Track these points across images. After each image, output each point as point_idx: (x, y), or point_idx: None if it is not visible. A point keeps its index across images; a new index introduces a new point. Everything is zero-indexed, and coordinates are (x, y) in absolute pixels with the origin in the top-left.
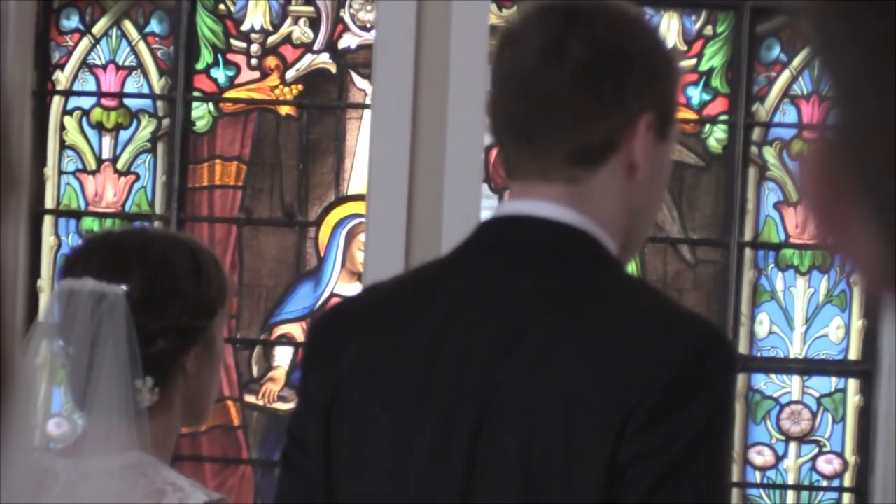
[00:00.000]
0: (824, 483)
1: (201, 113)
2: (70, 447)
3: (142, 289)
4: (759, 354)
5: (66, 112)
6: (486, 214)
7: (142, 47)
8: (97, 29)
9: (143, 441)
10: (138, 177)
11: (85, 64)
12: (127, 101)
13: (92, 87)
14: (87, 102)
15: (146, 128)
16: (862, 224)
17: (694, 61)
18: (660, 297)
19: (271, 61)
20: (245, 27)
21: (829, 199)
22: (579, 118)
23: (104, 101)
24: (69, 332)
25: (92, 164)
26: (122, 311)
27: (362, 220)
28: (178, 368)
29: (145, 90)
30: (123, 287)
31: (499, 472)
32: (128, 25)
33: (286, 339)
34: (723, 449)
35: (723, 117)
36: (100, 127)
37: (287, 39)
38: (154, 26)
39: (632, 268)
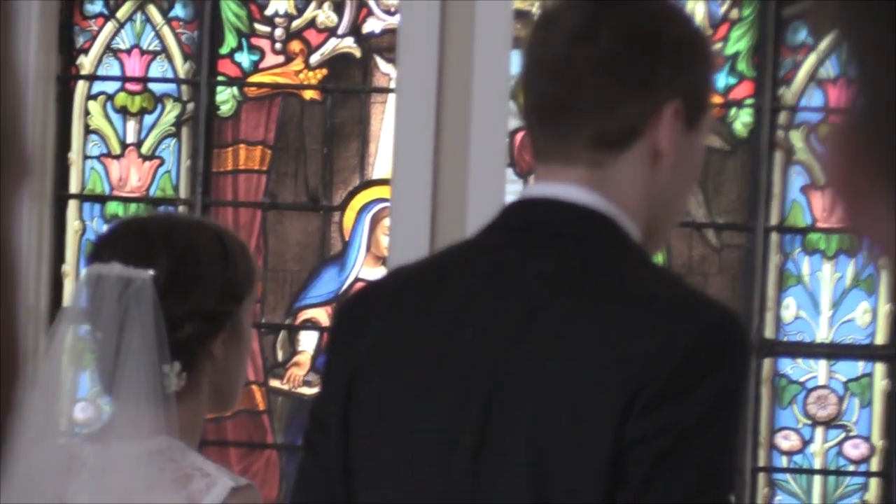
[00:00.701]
0: (851, 467)
1: (225, 97)
2: (98, 432)
3: (168, 273)
4: (785, 339)
5: (90, 97)
6: (510, 199)
7: (166, 32)
8: (121, 13)
9: (171, 426)
10: (163, 161)
11: (109, 48)
12: (151, 85)
13: (116, 71)
14: (111, 87)
15: (170, 112)
16: (887, 207)
17: (720, 45)
18: (678, 283)
19: (295, 45)
20: (269, 11)
21: (853, 182)
22: (604, 103)
23: (128, 86)
24: (97, 317)
25: (116, 149)
26: (149, 296)
27: (387, 204)
28: (206, 353)
29: (170, 74)
30: (150, 272)
31: (507, 455)
32: (152, 10)
33: (311, 324)
34: (729, 435)
35: (749, 101)
36: (124, 111)
37: (311, 24)
38: (178, 11)
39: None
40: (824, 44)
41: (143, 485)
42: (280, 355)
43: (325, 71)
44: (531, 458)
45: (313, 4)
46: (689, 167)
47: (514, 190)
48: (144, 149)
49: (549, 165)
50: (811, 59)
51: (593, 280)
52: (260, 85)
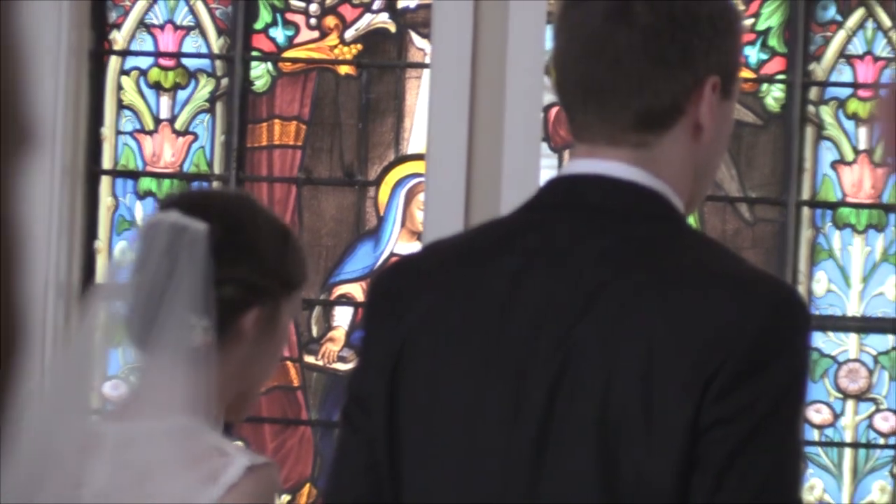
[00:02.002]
0: (881, 441)
1: (260, 73)
2: (117, 410)
3: (223, 233)
4: (817, 313)
5: (123, 72)
6: (545, 173)
7: (200, 7)
8: None
9: (198, 384)
10: (196, 137)
11: (142, 24)
12: (185, 60)
13: (149, 46)
14: (144, 62)
15: (204, 88)
16: None
17: (751, 21)
18: (733, 257)
19: (330, 21)
20: None
21: None
22: (646, 83)
23: (162, 61)
24: (146, 260)
25: (150, 125)
26: (201, 248)
27: (422, 179)
28: (237, 328)
29: (203, 50)
30: (206, 224)
31: (575, 431)
32: None
33: (346, 299)
34: (799, 410)
35: (780, 76)
36: (157, 87)
37: None
38: None
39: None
40: (853, 21)
41: (160, 464)
42: (315, 331)
43: (359, 46)
44: (599, 437)
45: None
46: (725, 135)
47: (549, 164)
48: (178, 124)
49: (592, 145)
50: (840, 36)
51: (654, 258)
52: (294, 60)
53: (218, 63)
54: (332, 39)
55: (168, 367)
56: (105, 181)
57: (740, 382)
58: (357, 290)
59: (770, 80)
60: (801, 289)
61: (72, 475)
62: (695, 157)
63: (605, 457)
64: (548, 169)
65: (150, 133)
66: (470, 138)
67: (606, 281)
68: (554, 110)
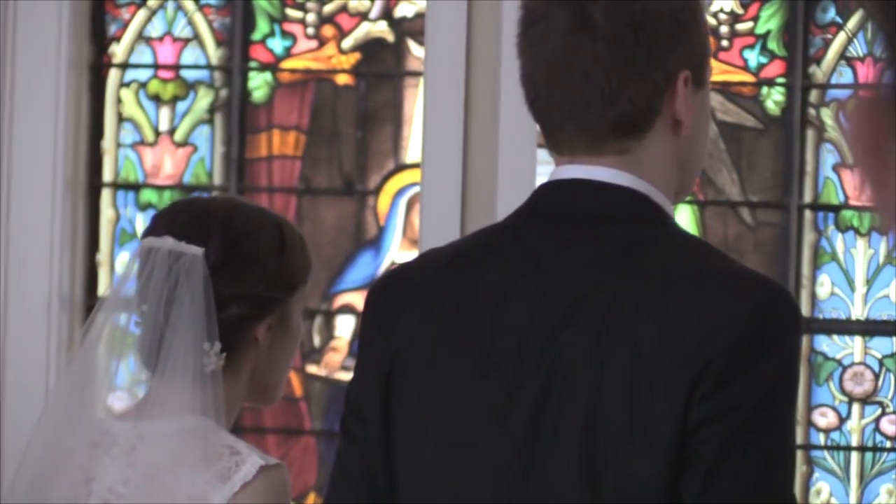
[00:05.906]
0: (888, 444)
1: (258, 83)
2: (130, 409)
3: (220, 253)
4: (820, 316)
5: (122, 85)
6: (542, 181)
7: (198, 18)
8: (153, 1)
9: (206, 405)
10: (196, 148)
11: (141, 36)
12: (184, 72)
13: (148, 59)
14: (143, 75)
15: (203, 99)
16: None
17: (751, 24)
18: (722, 258)
19: (328, 30)
20: None
21: (877, 157)
22: (618, 92)
23: (161, 73)
24: (145, 290)
25: (150, 137)
26: (199, 272)
27: None
28: (250, 339)
29: (202, 61)
30: (201, 249)
31: (563, 437)
32: None
33: (347, 309)
34: (790, 409)
35: (780, 80)
36: (157, 99)
37: (343, 8)
38: None
39: (693, 231)
40: (853, 22)
41: (171, 462)
42: (317, 341)
43: (357, 55)
44: (588, 443)
45: None
46: (704, 123)
47: (546, 172)
48: (178, 136)
49: (574, 156)
50: (840, 38)
51: (640, 262)
52: (293, 70)
53: (216, 74)
54: (330, 49)
55: (180, 383)
56: (106, 194)
57: (727, 381)
58: (358, 300)
59: (770, 83)
60: (805, 292)
61: (82, 470)
62: (678, 151)
63: (593, 462)
64: (545, 176)
65: (150, 145)
66: (465, 146)
67: (593, 286)
68: None
